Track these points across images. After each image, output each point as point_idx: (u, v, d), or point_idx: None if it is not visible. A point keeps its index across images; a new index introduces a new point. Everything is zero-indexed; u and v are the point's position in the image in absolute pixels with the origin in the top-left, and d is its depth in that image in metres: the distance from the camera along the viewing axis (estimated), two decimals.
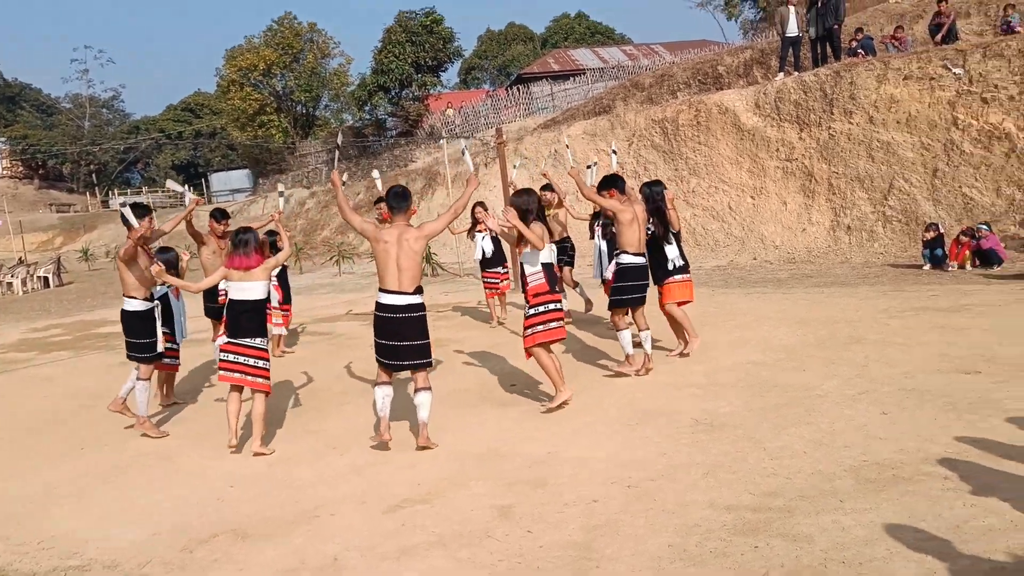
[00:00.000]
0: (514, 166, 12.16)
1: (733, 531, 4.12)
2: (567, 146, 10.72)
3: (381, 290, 6.04)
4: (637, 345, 7.72)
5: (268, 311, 6.93)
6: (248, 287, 6.42)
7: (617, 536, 4.23)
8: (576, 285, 10.79)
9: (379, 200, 11.26)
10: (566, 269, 10.57)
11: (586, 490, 4.89)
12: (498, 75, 66.05)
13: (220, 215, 9.33)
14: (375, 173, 10.53)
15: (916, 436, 5.24)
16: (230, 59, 43.00)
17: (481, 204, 10.95)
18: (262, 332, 6.48)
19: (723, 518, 4.29)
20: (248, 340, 6.38)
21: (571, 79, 36.73)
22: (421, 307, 6.07)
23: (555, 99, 34.30)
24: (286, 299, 10.52)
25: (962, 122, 14.48)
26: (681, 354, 8.16)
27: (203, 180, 51.72)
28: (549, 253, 6.69)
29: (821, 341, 8.29)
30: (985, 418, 5.47)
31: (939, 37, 16.20)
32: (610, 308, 7.72)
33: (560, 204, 10.26)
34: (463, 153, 7.42)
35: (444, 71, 37.32)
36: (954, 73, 14.81)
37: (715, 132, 17.92)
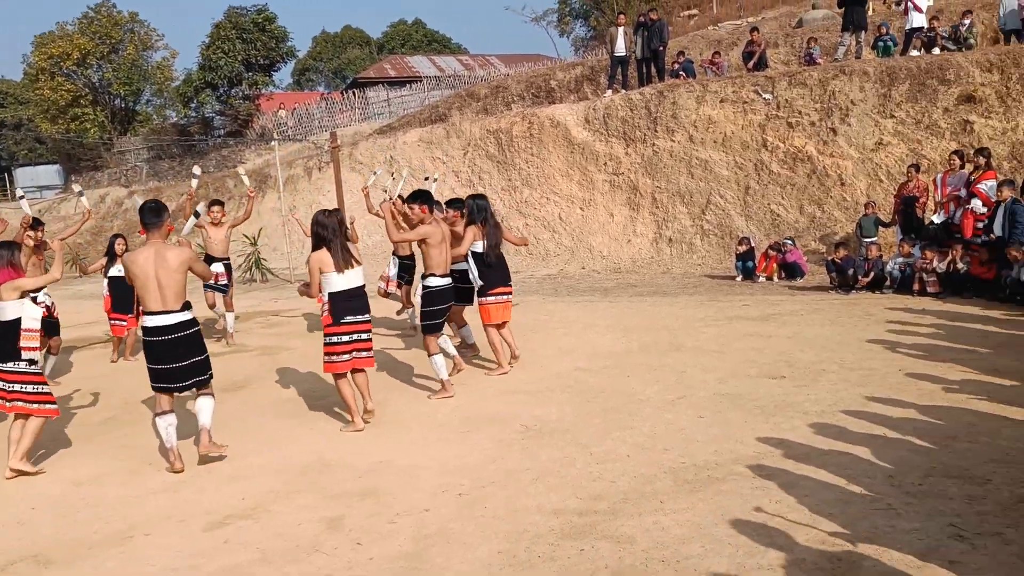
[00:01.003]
0: (374, 173, 11.55)
1: (561, 535, 4.22)
2: (393, 175, 9.64)
3: (146, 313, 5.66)
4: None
5: (29, 332, 6.14)
6: None
7: (448, 544, 4.22)
8: (404, 309, 10.64)
9: (214, 203, 10.75)
10: (405, 287, 10.43)
11: (417, 499, 4.86)
12: (333, 78, 64.80)
13: (35, 223, 8.52)
14: (196, 170, 9.99)
15: (729, 438, 5.57)
16: (39, 46, 39.59)
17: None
18: (14, 356, 5.89)
19: (551, 523, 4.38)
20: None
21: (408, 86, 36.59)
22: (193, 323, 5.77)
23: (391, 105, 34.05)
24: (116, 307, 9.97)
25: (771, 144, 15.64)
26: (493, 375, 8.01)
27: (6, 175, 47.32)
28: (345, 281, 6.36)
29: (644, 348, 8.68)
30: (788, 419, 5.91)
31: (751, 64, 17.43)
32: (423, 333, 7.39)
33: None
34: (242, 174, 7.07)
35: (276, 71, 36.23)
36: (764, 98, 15.98)
37: (547, 144, 18.39)
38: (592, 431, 5.96)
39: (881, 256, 11.79)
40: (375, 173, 11.24)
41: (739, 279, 13.34)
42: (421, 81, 36.88)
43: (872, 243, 12.09)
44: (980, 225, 10.77)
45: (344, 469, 5.54)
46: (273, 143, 23.58)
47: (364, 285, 6.52)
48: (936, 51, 15.73)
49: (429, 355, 7.33)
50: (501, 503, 4.70)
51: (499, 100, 24.14)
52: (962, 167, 11.60)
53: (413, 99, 33.96)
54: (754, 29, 18.96)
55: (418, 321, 7.59)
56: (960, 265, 10.61)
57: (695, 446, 5.47)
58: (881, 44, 16.54)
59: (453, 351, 7.64)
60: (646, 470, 5.08)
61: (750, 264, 13.33)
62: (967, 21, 16.13)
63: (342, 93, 38.17)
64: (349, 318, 6.35)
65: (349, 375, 6.43)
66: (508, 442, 5.85)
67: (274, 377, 8.53)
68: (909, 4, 16.25)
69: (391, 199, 9.45)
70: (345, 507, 4.84)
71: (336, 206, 16.27)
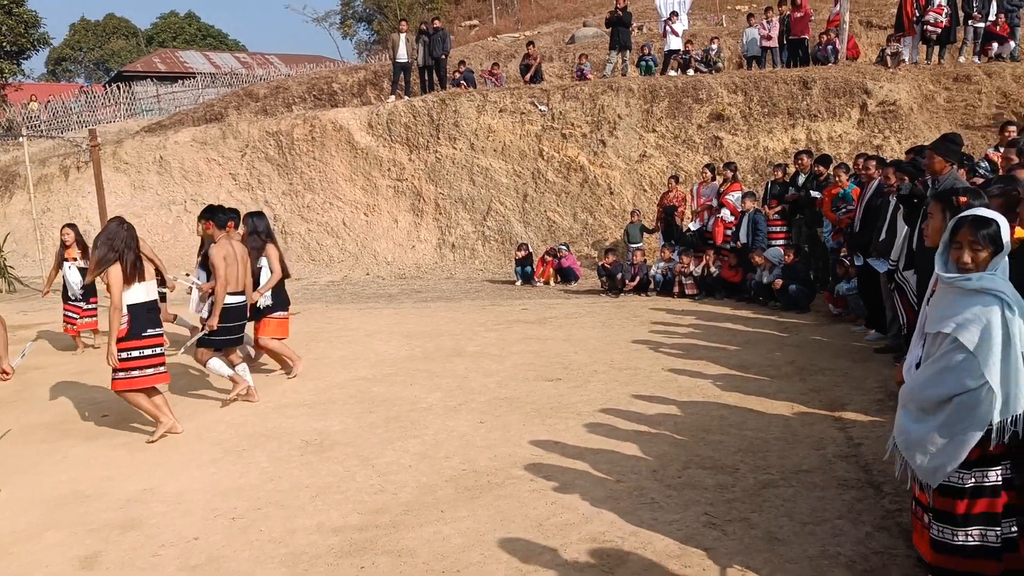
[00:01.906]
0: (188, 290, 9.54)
1: (340, 553, 4.14)
2: (189, 290, 8.07)
3: None
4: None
5: None
6: None
7: (218, 574, 4.01)
8: (175, 318, 9.99)
9: None
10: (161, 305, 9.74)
11: (185, 527, 4.57)
12: (95, 70, 59.70)
13: None
14: None
15: (507, 442, 5.74)
16: None
17: (71, 226, 9.76)
18: None
19: (330, 541, 4.29)
20: None
21: (180, 82, 34.40)
22: None
23: (161, 102, 31.85)
24: None
25: (547, 153, 16.32)
26: (288, 375, 7.97)
27: None
28: (143, 292, 6.05)
29: (428, 354, 8.73)
30: (563, 420, 6.18)
31: (528, 76, 18.09)
32: (199, 345, 7.09)
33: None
34: None
35: (27, 59, 32.74)
36: (540, 110, 16.64)
37: (330, 149, 18.02)
38: (374, 442, 5.91)
39: (646, 261, 12.65)
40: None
41: (519, 284, 13.79)
42: (195, 78, 34.80)
43: (638, 249, 12.94)
44: (729, 232, 11.86)
45: (103, 500, 5.10)
46: (22, 139, 21.28)
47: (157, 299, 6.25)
48: (691, 72, 17.13)
49: (204, 362, 7.06)
50: (278, 524, 4.54)
51: (279, 101, 23.32)
52: (713, 179, 12.72)
53: (186, 96, 31.98)
54: (530, 43, 19.71)
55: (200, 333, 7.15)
56: (713, 269, 11.62)
57: (475, 452, 5.58)
58: (644, 64, 17.77)
59: (249, 379, 7.25)
60: (428, 479, 5.11)
61: (528, 269, 13.82)
62: (715, 46, 17.70)
63: (105, 86, 35.21)
64: (151, 331, 6.07)
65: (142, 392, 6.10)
66: (287, 459, 5.66)
67: (22, 400, 7.70)
68: (667, 28, 17.58)
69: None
70: (103, 542, 4.46)
71: (97, 209, 15.01)
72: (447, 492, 4.89)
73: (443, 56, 18.34)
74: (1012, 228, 3.26)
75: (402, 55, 18.30)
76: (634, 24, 19.38)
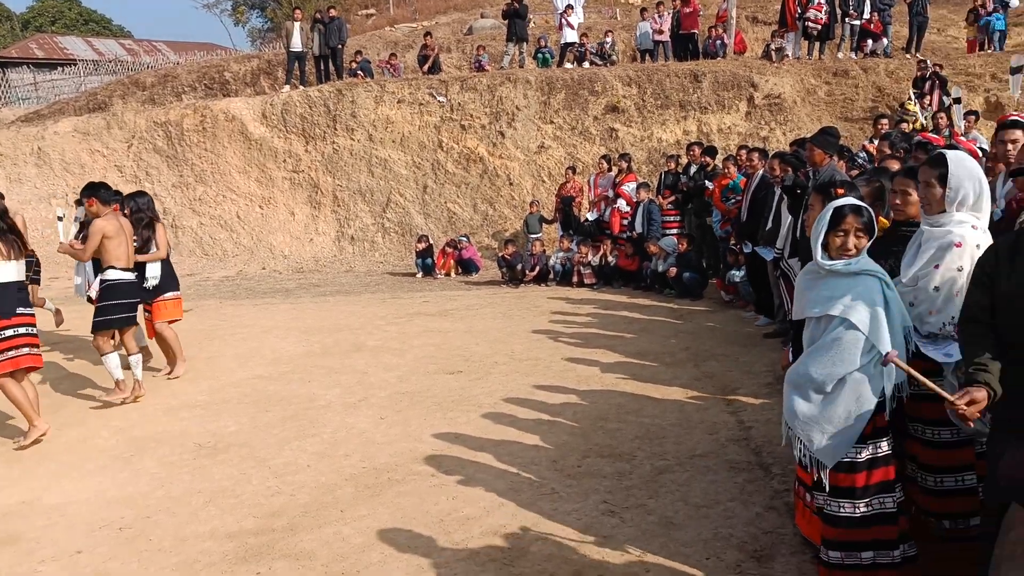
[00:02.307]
0: (59, 217, 8.86)
1: (235, 560, 4.03)
2: (59, 218, 7.86)
3: None
4: (127, 368, 7.08)
5: None
6: None
7: None
8: (44, 302, 9.47)
9: None
10: (32, 286, 9.24)
11: (69, 540, 4.35)
12: None
13: None
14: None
15: (408, 437, 5.70)
16: None
17: None
18: None
19: (225, 547, 4.16)
20: None
21: (60, 69, 32.58)
22: None
23: (39, 90, 30.11)
24: None
25: (446, 145, 16.25)
26: (169, 376, 7.70)
27: None
28: (15, 270, 5.81)
29: (326, 350, 8.58)
30: (464, 413, 6.18)
31: (426, 67, 17.95)
32: (93, 331, 6.83)
33: None
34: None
35: None
36: (439, 101, 16.55)
37: (222, 140, 17.43)
38: (271, 442, 5.77)
39: (545, 251, 12.78)
40: (59, 217, 8.75)
41: (420, 276, 13.71)
42: (76, 65, 33.03)
43: (537, 239, 13.06)
44: (625, 222, 12.10)
45: None
46: None
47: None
48: (586, 65, 17.36)
49: (101, 354, 6.79)
50: (168, 533, 4.37)
51: (168, 90, 22.37)
52: (609, 170, 12.94)
53: (67, 84, 30.32)
54: (428, 33, 19.54)
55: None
56: (610, 258, 11.84)
57: (375, 449, 5.52)
58: (541, 56, 17.90)
59: (139, 373, 7.01)
60: (327, 479, 5.03)
61: (429, 261, 13.75)
62: (609, 39, 17.99)
63: None
64: (21, 309, 5.82)
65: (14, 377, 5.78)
66: (178, 463, 5.46)
67: None
68: (563, 20, 17.75)
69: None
70: None
71: None
72: (346, 491, 4.82)
73: (339, 46, 18.00)
74: (876, 216, 3.44)
75: (296, 44, 17.85)
76: (530, 16, 19.49)
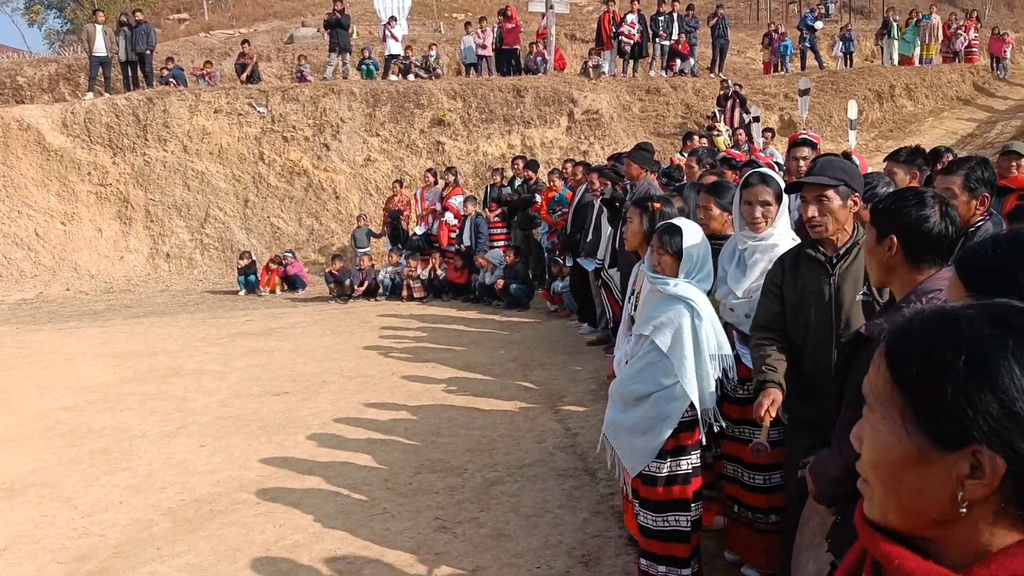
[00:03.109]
0: None
1: None
2: None
3: None
4: None
5: None
6: None
7: None
8: None
9: None
10: None
11: None
12: None
13: None
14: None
15: (232, 465, 5.46)
16: None
17: None
18: None
19: None
20: None
21: None
22: None
23: None
24: None
25: (268, 157, 15.73)
26: None
27: None
28: None
29: (140, 376, 8.07)
30: (292, 436, 6.00)
31: (244, 76, 17.33)
32: None
33: None
34: None
35: None
36: (259, 111, 16.01)
37: (16, 150, 15.99)
38: (78, 480, 5.34)
39: (373, 265, 12.65)
40: None
41: (242, 293, 13.18)
42: None
43: (365, 254, 12.91)
44: (453, 235, 12.20)
45: None
46: None
47: None
48: (411, 77, 17.38)
49: None
50: None
51: None
52: (436, 183, 13.01)
53: None
54: (245, 41, 18.89)
55: None
56: (439, 272, 11.89)
57: (196, 479, 5.24)
58: (365, 67, 17.74)
59: None
60: (141, 515, 4.72)
61: (252, 278, 13.25)
62: (434, 52, 18.11)
63: None
64: None
65: None
66: None
67: None
68: (387, 32, 17.70)
69: None
70: None
71: None
72: (164, 527, 4.54)
73: (148, 51, 17.00)
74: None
75: (100, 48, 16.69)
76: (353, 27, 19.28)
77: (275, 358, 8.56)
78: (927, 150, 5.83)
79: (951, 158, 5.44)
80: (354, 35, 19.57)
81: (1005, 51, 21.63)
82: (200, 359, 8.66)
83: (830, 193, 2.91)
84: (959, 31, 21.67)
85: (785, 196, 3.63)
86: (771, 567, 3.65)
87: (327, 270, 12.57)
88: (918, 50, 20.92)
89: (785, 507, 3.61)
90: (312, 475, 5.20)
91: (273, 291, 13.20)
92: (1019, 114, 18.14)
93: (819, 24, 20.03)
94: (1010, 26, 24.68)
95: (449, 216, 12.30)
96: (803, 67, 20.15)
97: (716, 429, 3.39)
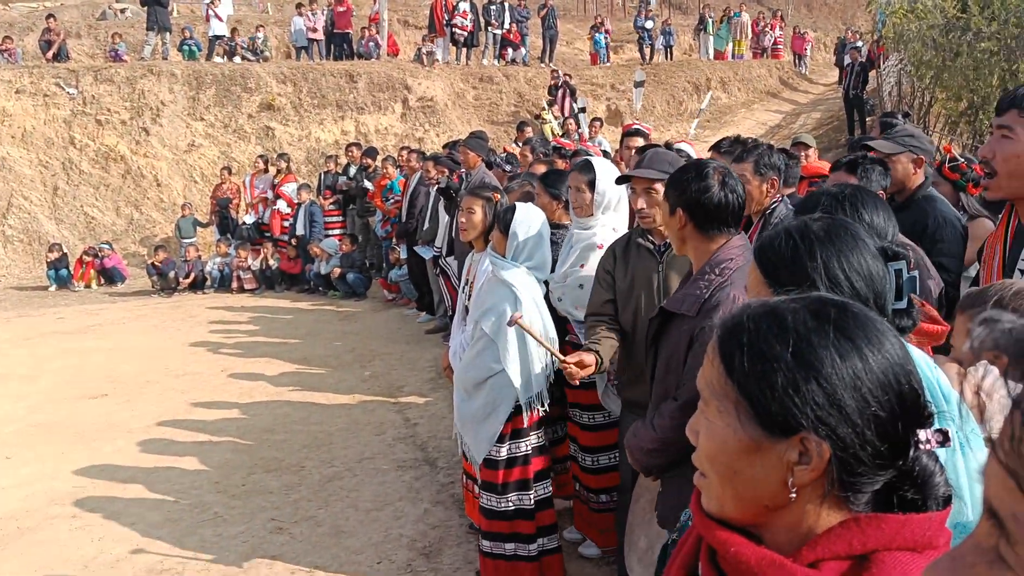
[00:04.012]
0: None
1: None
2: None
3: None
4: None
5: None
6: None
7: None
8: None
9: None
10: None
11: None
12: None
13: None
14: None
15: (42, 476, 5.06)
16: None
17: None
18: None
19: None
20: None
21: None
22: None
23: None
24: None
25: (79, 142, 14.59)
26: None
27: None
28: None
29: None
30: (112, 442, 5.64)
31: (50, 54, 15.97)
32: None
33: None
34: None
35: None
36: (68, 92, 14.81)
37: None
38: None
39: (200, 256, 12.04)
40: None
41: (53, 289, 12.19)
42: None
43: (191, 244, 12.26)
44: (286, 224, 11.82)
45: None
46: None
47: None
48: (237, 60, 16.63)
49: None
50: None
51: None
52: (267, 170, 12.54)
53: None
54: (51, 16, 17.38)
55: None
56: (271, 262, 11.49)
57: (2, 494, 4.82)
58: (187, 48, 16.80)
59: None
60: None
61: (64, 272, 12.28)
62: (261, 35, 17.41)
63: None
64: None
65: None
66: None
67: None
68: (210, 12, 16.83)
69: None
70: None
71: None
72: None
73: None
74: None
75: None
76: (173, 4, 18.21)
77: (92, 358, 7.99)
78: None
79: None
80: (174, 13, 18.48)
81: (806, 49, 23.45)
82: (4, 362, 7.95)
83: (658, 186, 3.01)
84: (767, 29, 23.23)
85: (621, 187, 3.72)
86: (606, 544, 3.80)
87: (149, 262, 11.86)
88: (731, 46, 22.22)
89: (618, 487, 3.77)
90: (135, 482, 4.91)
91: (88, 285, 12.29)
92: (819, 106, 19.69)
93: (649, 24, 20.85)
94: (809, 26, 26.69)
95: (282, 204, 11.90)
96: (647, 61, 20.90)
97: (540, 413, 3.45)
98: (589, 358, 2.98)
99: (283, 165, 12.35)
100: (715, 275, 2.37)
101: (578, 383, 3.12)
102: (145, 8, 16.55)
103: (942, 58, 11.29)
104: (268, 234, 12.00)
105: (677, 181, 2.44)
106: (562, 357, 3.01)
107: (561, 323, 3.76)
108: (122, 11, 20.66)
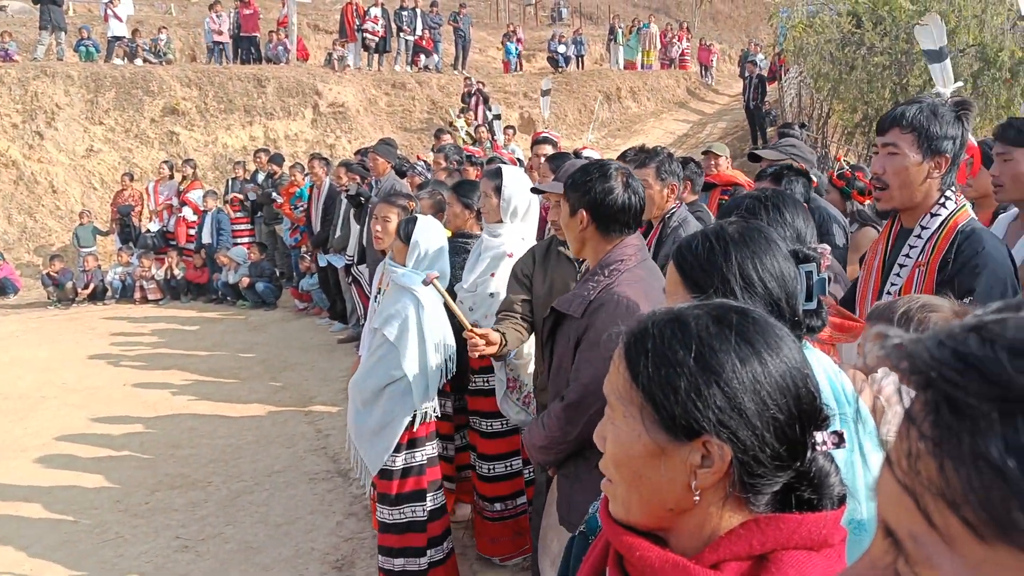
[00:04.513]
0: None
1: None
2: None
3: None
4: None
5: None
6: None
7: None
8: None
9: None
10: None
11: None
12: None
13: None
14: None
15: None
16: None
17: None
18: None
19: None
20: None
21: None
22: None
23: None
24: None
25: None
26: None
27: None
28: None
29: None
30: (3, 461, 5.37)
31: None
32: None
33: None
34: None
35: None
36: None
37: None
38: None
39: (100, 266, 11.58)
40: None
41: None
42: None
43: (90, 253, 11.78)
44: (192, 232, 11.47)
45: None
46: None
47: None
48: (139, 62, 16.08)
49: None
50: None
51: None
52: (171, 177, 12.16)
53: None
54: None
55: None
56: (176, 271, 11.14)
57: None
58: (84, 48, 16.14)
59: None
60: None
61: None
62: (164, 36, 16.88)
63: None
64: None
65: None
66: None
67: None
68: (109, 11, 16.23)
69: None
70: None
71: None
72: None
73: None
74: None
75: None
76: (68, 3, 17.47)
77: None
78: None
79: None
80: (70, 12, 17.73)
81: (711, 60, 24.17)
82: None
83: None
84: (674, 40, 23.85)
85: (531, 196, 3.74)
86: (495, 553, 3.82)
87: (44, 272, 11.32)
88: (640, 56, 22.72)
89: (511, 495, 3.79)
90: (30, 502, 4.68)
91: None
92: (724, 116, 20.31)
93: (562, 48, 21.11)
94: (715, 38, 27.52)
95: (187, 212, 11.55)
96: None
97: (430, 419, 3.43)
98: (495, 336, 2.96)
99: (189, 171, 11.99)
100: (604, 276, 2.38)
101: (478, 356, 3.09)
102: (37, 6, 15.81)
103: (839, 71, 11.80)
104: (173, 242, 11.63)
105: (579, 182, 2.42)
106: (469, 326, 2.99)
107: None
108: (2, 8, 19.71)
